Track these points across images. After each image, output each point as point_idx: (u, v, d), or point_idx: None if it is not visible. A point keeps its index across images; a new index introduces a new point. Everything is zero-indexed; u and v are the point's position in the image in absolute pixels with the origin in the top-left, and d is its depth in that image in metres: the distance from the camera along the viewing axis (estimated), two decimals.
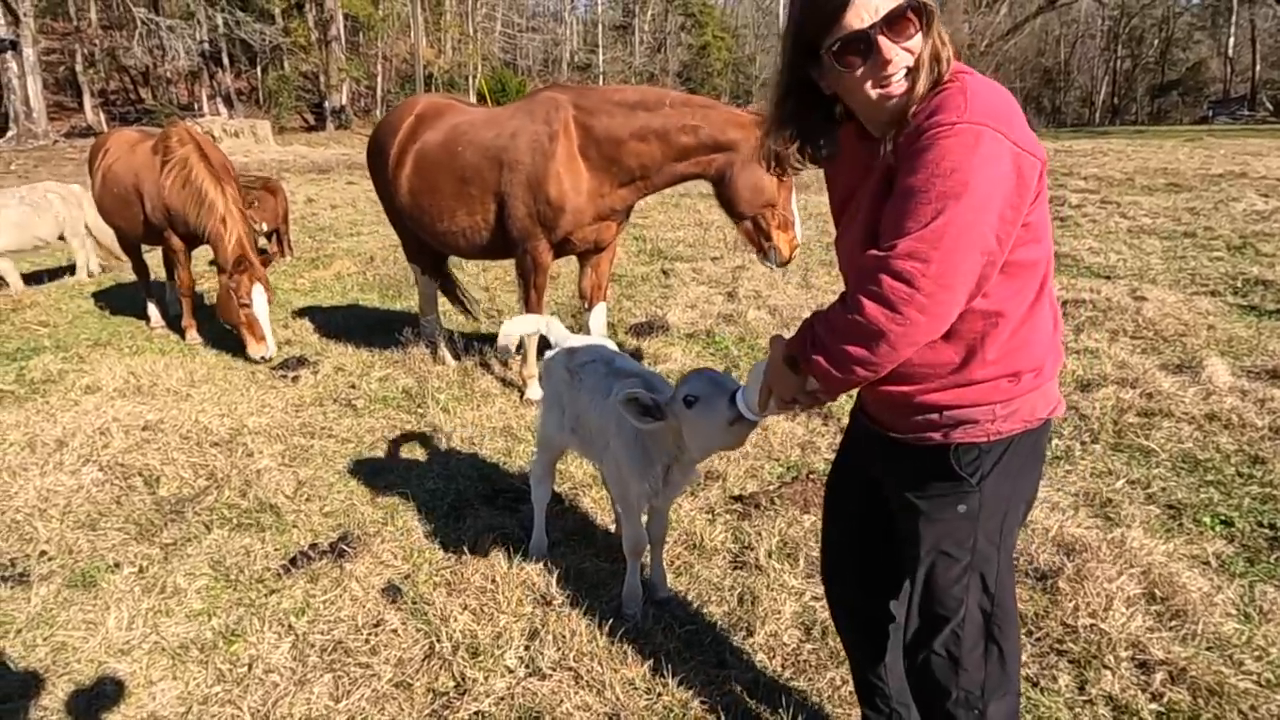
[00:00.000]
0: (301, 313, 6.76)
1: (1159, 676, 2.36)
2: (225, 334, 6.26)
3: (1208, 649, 2.48)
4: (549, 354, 3.03)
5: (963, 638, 1.62)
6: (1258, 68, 44.62)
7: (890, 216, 1.40)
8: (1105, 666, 2.42)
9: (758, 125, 4.26)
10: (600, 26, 51.95)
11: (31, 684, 2.52)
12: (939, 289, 1.35)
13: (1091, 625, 2.56)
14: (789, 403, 1.68)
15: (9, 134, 25.83)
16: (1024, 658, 2.47)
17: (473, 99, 39.89)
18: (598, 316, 4.78)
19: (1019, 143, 1.37)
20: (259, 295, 5.45)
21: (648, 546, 2.77)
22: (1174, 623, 2.59)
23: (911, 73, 1.44)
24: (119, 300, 7.28)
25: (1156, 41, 51.84)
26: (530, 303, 4.64)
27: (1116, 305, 6.01)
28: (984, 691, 1.66)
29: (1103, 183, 13.29)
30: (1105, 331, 5.50)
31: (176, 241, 5.86)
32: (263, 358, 5.47)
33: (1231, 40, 46.91)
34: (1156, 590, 2.73)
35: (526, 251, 4.54)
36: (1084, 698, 2.33)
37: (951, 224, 1.33)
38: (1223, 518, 3.24)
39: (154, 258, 6.89)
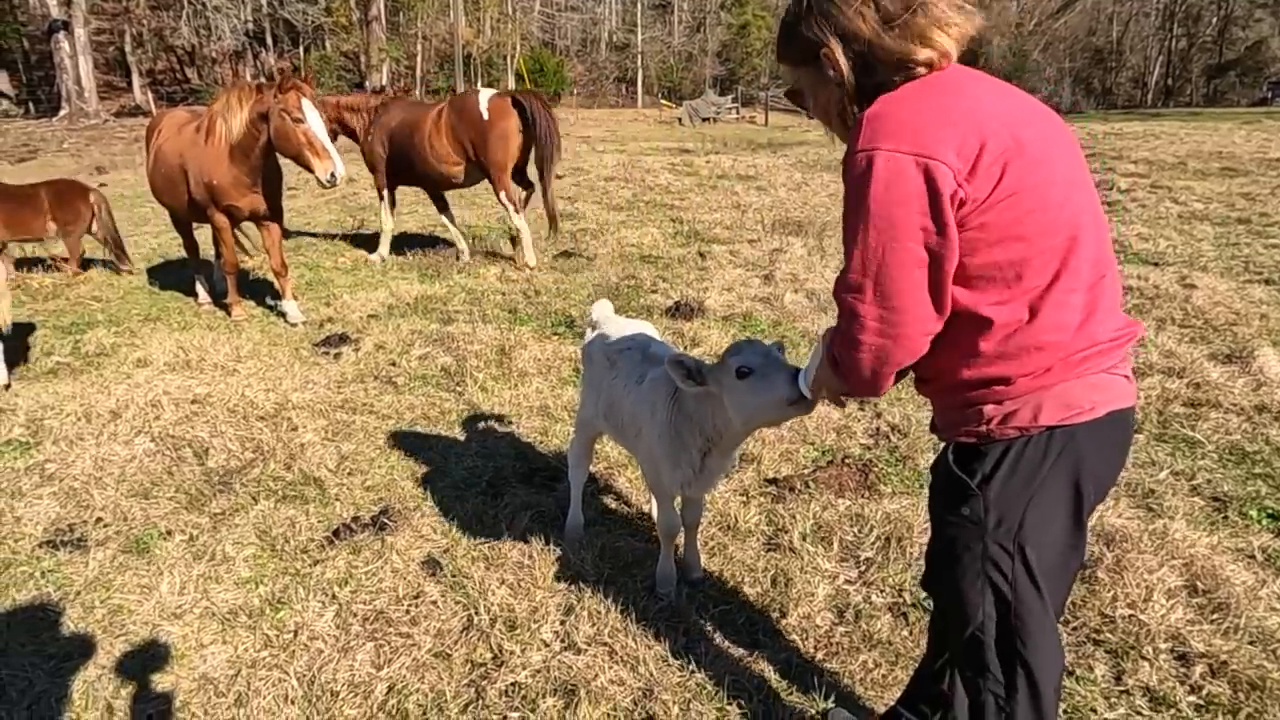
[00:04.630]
0: (342, 291, 6.87)
1: (1199, 669, 2.34)
2: (270, 312, 6.40)
3: (1250, 643, 2.44)
4: (588, 337, 3.06)
5: (984, 643, 1.58)
6: None
7: None
8: (1143, 657, 2.39)
9: None
10: (639, 6, 51.47)
11: (90, 644, 2.63)
12: (887, 311, 1.43)
13: (1130, 616, 2.54)
14: (838, 393, 1.73)
15: (61, 113, 26.50)
16: None
17: (510, 80, 39.94)
18: None
19: (923, 151, 1.36)
20: (309, 109, 5.45)
21: (681, 530, 2.79)
22: (1215, 616, 2.55)
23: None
24: (168, 277, 7.47)
25: (1215, 20, 49.90)
26: None
27: (1164, 293, 5.86)
28: (1011, 701, 1.59)
29: (1153, 167, 12.91)
30: (1152, 319, 5.37)
31: (220, 219, 5.91)
32: (331, 175, 5.43)
33: None
34: (1198, 582, 2.69)
35: None
36: (1121, 688, 2.32)
37: (869, 250, 1.41)
38: (1270, 511, 3.17)
39: (202, 235, 7.03)
